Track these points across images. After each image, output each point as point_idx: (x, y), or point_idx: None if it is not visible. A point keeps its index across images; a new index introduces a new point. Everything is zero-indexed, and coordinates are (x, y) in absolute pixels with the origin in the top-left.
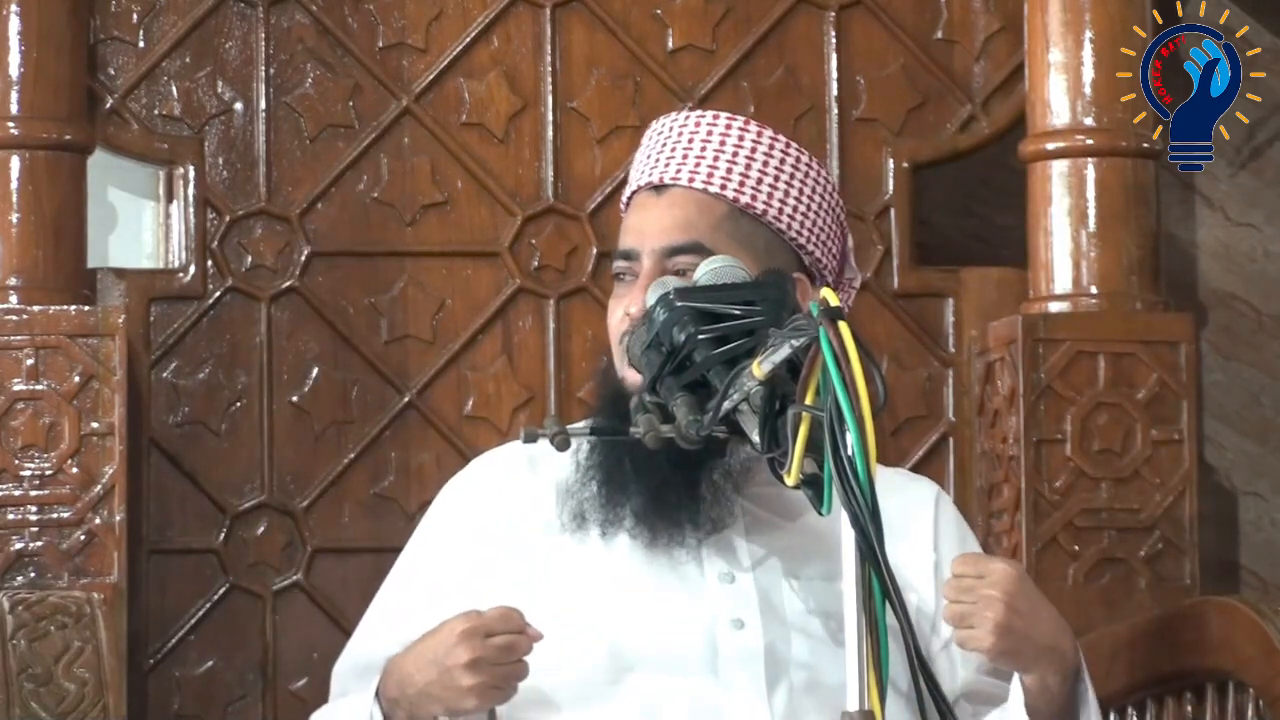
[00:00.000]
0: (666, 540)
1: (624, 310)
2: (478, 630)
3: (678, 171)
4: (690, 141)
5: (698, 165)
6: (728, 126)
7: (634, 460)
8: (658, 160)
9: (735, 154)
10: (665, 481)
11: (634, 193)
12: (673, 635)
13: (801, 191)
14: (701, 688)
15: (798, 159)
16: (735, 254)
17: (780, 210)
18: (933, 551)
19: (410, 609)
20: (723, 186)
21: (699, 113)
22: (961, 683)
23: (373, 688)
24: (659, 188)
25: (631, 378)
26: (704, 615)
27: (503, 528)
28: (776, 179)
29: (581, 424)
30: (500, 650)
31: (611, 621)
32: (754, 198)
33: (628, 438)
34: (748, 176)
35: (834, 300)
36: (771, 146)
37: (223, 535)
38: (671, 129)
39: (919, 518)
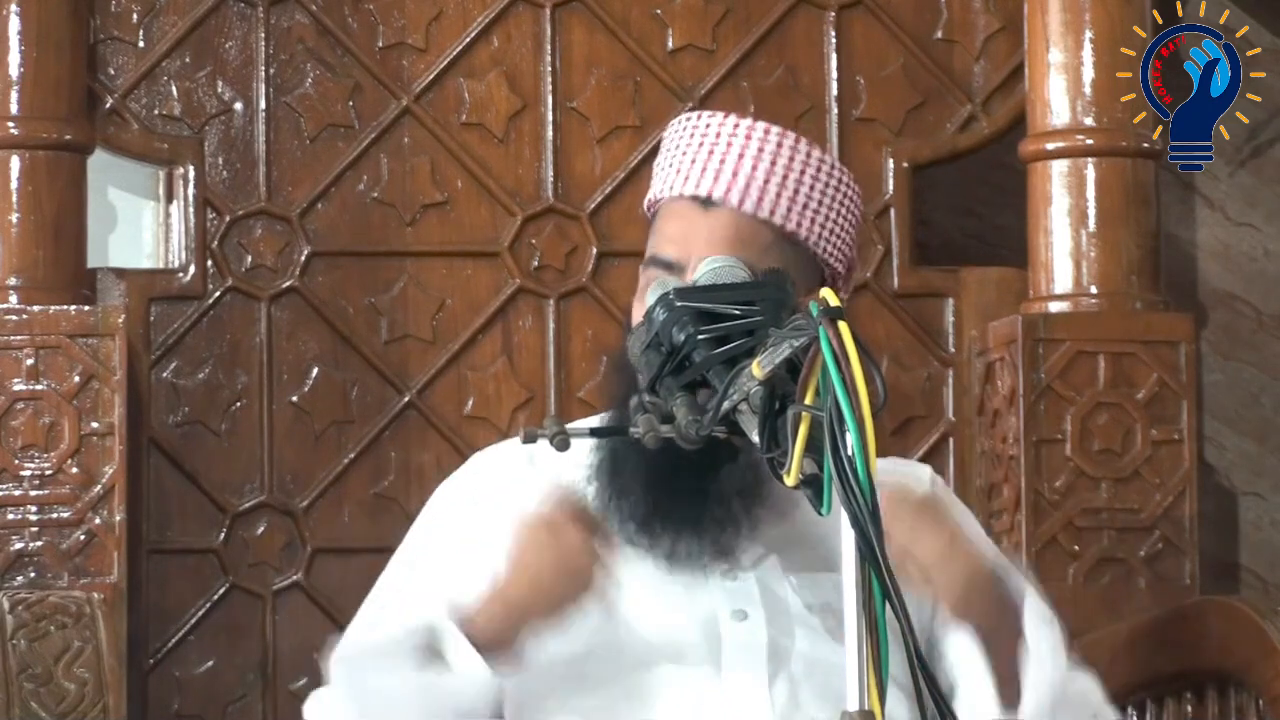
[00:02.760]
0: (669, 545)
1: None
2: None
3: (727, 190)
4: (741, 156)
5: (748, 187)
6: (778, 145)
7: (641, 463)
8: (705, 168)
9: (785, 177)
10: (672, 490)
11: (672, 198)
12: (674, 626)
13: (839, 215)
14: (703, 679)
15: (840, 180)
16: None
17: (820, 236)
18: None
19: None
20: (771, 213)
21: (748, 121)
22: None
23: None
24: (705, 202)
25: None
26: (705, 606)
27: (502, 522)
28: (820, 204)
29: (581, 423)
30: None
31: (612, 613)
32: (799, 224)
33: (628, 437)
34: (795, 202)
35: (834, 300)
36: (819, 169)
37: (223, 535)
38: (719, 133)
39: None
